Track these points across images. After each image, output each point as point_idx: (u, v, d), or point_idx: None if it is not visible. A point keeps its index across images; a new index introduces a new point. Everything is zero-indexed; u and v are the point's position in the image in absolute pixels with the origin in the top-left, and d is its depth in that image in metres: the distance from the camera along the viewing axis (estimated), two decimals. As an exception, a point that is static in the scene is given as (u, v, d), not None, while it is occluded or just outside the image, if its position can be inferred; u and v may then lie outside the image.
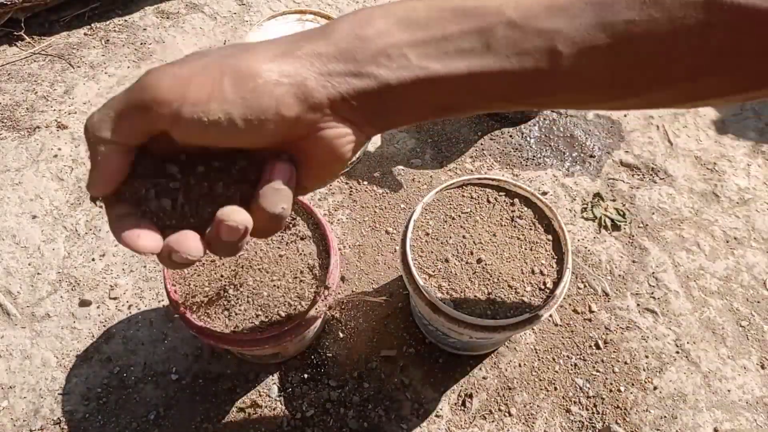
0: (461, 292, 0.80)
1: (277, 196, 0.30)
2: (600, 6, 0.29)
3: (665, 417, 0.96)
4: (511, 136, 1.26)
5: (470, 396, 0.96)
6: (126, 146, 0.29)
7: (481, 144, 1.24)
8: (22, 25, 1.34)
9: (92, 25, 1.40)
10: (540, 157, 1.24)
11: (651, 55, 0.29)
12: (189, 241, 0.30)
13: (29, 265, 1.06)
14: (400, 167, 1.20)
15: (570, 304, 1.06)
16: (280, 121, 0.29)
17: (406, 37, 0.30)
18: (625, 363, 1.00)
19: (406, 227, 0.84)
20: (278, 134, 0.29)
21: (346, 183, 1.17)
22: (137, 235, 0.29)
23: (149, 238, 0.29)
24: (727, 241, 1.15)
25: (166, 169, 0.31)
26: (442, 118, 0.33)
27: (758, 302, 1.08)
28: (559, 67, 0.29)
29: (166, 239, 0.30)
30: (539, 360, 1.00)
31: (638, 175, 1.22)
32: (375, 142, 1.23)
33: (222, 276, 0.79)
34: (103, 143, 0.28)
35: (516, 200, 0.87)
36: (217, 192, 0.31)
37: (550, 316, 1.03)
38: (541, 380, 0.98)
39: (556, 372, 0.99)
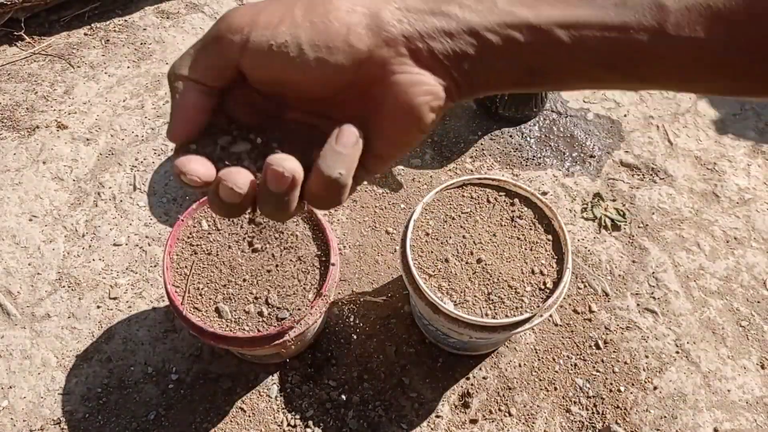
0: (461, 292, 0.80)
1: (335, 158, 0.28)
2: None
3: (665, 417, 0.96)
4: (511, 136, 1.26)
5: (470, 396, 0.96)
6: (203, 86, 0.28)
7: (481, 144, 1.24)
8: (22, 25, 1.34)
9: (92, 25, 1.40)
10: (540, 157, 1.24)
11: None
12: (239, 175, 0.28)
13: (29, 265, 1.06)
14: (400, 167, 1.20)
15: (570, 304, 1.06)
16: (349, 52, 0.27)
17: None
18: (625, 363, 1.00)
19: (406, 227, 0.84)
20: (347, 71, 0.27)
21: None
22: (189, 159, 0.28)
23: (201, 165, 0.28)
24: (727, 241, 1.15)
25: (239, 132, 0.31)
26: (534, 88, 0.30)
27: (758, 302, 1.08)
28: (663, 23, 0.26)
29: (218, 178, 0.28)
30: (539, 360, 1.00)
31: (638, 175, 1.22)
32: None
33: (223, 277, 0.79)
34: (182, 80, 0.28)
35: (516, 200, 0.87)
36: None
37: (550, 316, 1.03)
38: (541, 380, 0.98)
39: (556, 372, 0.99)
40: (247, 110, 0.31)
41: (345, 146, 0.28)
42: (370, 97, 0.29)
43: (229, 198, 0.28)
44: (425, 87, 0.28)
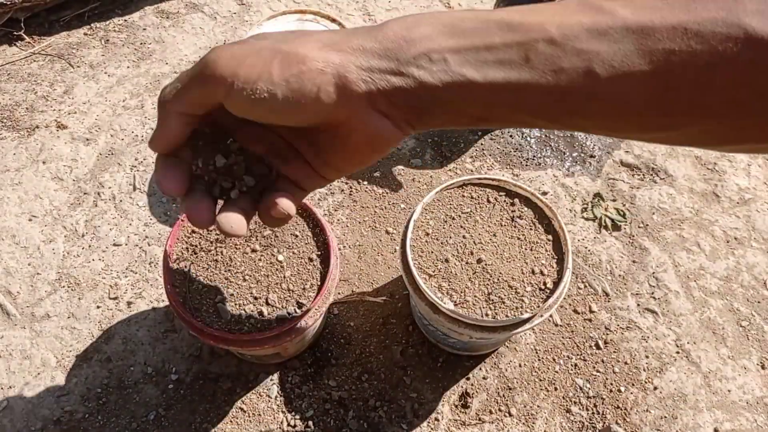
0: (461, 292, 0.80)
1: (272, 221, 0.36)
2: (640, 34, 0.29)
3: (665, 417, 0.96)
4: (511, 136, 1.26)
5: (470, 396, 0.96)
6: (187, 114, 0.33)
7: (481, 144, 1.24)
8: (22, 24, 1.34)
9: (92, 25, 1.40)
10: (540, 157, 1.24)
11: (689, 86, 0.28)
12: (202, 213, 0.36)
13: (29, 265, 1.06)
14: (400, 167, 1.20)
15: (570, 304, 1.06)
16: (319, 105, 0.31)
17: (448, 43, 0.31)
18: (626, 363, 1.00)
19: (406, 227, 0.84)
20: (318, 117, 0.32)
21: (346, 183, 1.17)
22: (164, 176, 0.35)
23: (175, 182, 0.35)
24: (728, 241, 1.15)
25: (216, 148, 0.38)
26: (478, 127, 0.34)
27: (758, 302, 1.08)
28: (594, 88, 0.30)
29: (185, 205, 0.36)
30: (539, 360, 1.00)
31: (638, 174, 1.22)
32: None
33: (223, 277, 0.79)
34: (169, 108, 0.33)
35: (516, 200, 0.87)
36: (236, 183, 0.38)
37: (550, 316, 1.03)
38: (541, 380, 0.98)
39: (557, 372, 0.99)
40: (230, 117, 0.35)
41: (279, 215, 0.35)
42: (338, 131, 0.33)
43: (195, 224, 0.37)
44: (385, 132, 0.32)
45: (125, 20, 1.41)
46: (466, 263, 0.82)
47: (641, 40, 0.29)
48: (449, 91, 0.31)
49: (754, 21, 0.27)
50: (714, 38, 0.27)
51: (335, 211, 1.14)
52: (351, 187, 1.17)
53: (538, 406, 0.96)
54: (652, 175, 1.22)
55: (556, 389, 0.98)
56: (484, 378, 0.98)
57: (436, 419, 0.94)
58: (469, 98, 0.31)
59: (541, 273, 0.81)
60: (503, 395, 0.97)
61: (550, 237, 0.84)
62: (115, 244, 1.09)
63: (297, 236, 0.82)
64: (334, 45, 0.31)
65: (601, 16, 0.29)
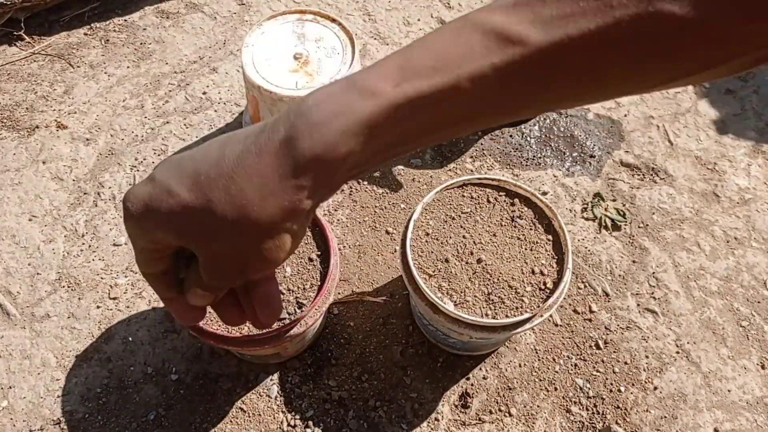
0: (461, 292, 0.80)
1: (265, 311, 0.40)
2: (559, 53, 0.28)
3: (665, 417, 0.96)
4: (511, 136, 1.26)
5: (470, 396, 0.96)
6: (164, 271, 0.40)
7: (481, 144, 1.24)
8: (22, 25, 1.34)
9: (92, 25, 1.40)
10: (540, 157, 1.24)
11: (619, 80, 0.30)
12: (233, 315, 0.41)
13: (29, 265, 1.06)
14: (400, 167, 1.20)
15: (570, 304, 1.06)
16: (289, 231, 0.34)
17: (369, 148, 0.31)
18: (626, 363, 1.00)
19: (406, 227, 0.84)
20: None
21: (347, 183, 1.17)
22: (183, 314, 0.40)
23: (196, 312, 0.40)
24: (728, 241, 1.15)
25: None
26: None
27: (758, 302, 1.08)
28: (522, 111, 0.32)
29: (219, 315, 0.41)
30: (539, 360, 1.00)
31: (638, 175, 1.22)
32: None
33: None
34: (154, 279, 0.39)
35: (516, 200, 0.87)
36: None
37: (550, 316, 1.03)
38: (541, 380, 0.98)
39: (556, 372, 0.99)
40: None
41: (273, 311, 0.39)
42: None
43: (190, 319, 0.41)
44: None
45: (125, 20, 1.41)
46: (466, 263, 0.82)
47: (560, 60, 0.28)
48: (377, 163, 0.33)
49: (675, 7, 0.26)
50: (639, 35, 0.27)
51: (335, 211, 1.14)
52: (351, 187, 1.17)
53: (538, 406, 0.96)
54: (652, 175, 1.22)
55: (556, 389, 0.98)
56: (484, 378, 0.98)
57: (436, 419, 0.94)
58: (390, 157, 0.34)
59: (541, 273, 0.81)
60: (503, 395, 0.97)
61: (550, 237, 0.84)
62: (115, 244, 1.09)
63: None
64: (272, 195, 0.31)
65: (512, 49, 0.28)
